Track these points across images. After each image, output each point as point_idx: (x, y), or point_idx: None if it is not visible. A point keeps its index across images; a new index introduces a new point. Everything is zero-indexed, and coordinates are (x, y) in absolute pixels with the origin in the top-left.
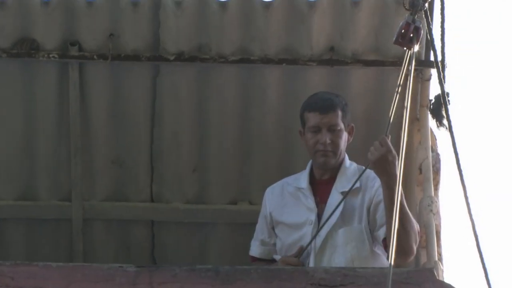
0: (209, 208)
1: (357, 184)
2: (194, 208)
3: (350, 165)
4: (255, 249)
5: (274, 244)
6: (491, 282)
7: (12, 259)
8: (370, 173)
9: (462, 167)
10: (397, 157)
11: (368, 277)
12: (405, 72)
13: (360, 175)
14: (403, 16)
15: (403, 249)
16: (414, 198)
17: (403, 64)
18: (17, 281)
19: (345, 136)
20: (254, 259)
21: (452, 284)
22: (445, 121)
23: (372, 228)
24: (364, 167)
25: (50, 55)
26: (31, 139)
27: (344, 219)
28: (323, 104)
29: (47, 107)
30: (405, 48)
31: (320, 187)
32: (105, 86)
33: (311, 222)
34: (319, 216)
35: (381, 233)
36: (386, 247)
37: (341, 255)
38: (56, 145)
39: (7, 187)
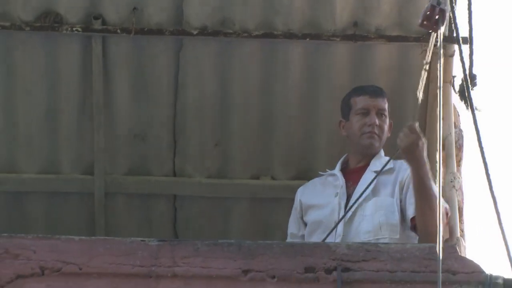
0: (231, 183)
1: (391, 165)
2: (216, 183)
3: (384, 156)
4: None
5: (303, 236)
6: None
7: (34, 232)
8: (403, 162)
9: (484, 149)
10: (425, 144)
11: (391, 252)
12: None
13: (390, 159)
14: None
15: (431, 230)
16: (436, 173)
17: (429, 46)
18: (39, 254)
19: (387, 125)
20: None
21: (474, 260)
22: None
23: (402, 208)
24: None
25: (74, 29)
26: (54, 112)
27: (375, 193)
28: (373, 89)
29: (70, 80)
30: (430, 31)
31: (353, 174)
32: (128, 60)
33: (337, 195)
34: (348, 195)
35: (410, 212)
36: (414, 227)
37: (369, 222)
38: (79, 119)
39: (29, 160)
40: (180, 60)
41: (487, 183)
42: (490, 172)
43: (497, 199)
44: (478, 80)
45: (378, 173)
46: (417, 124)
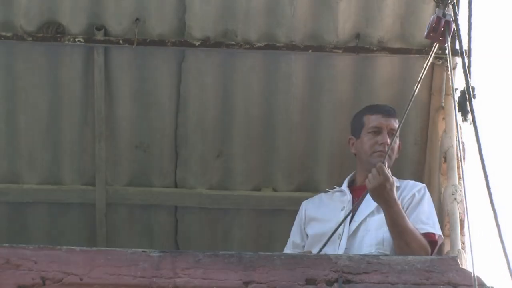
0: (233, 194)
1: (397, 183)
2: (218, 194)
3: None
4: (285, 251)
5: (303, 247)
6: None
7: (36, 243)
8: (410, 181)
9: (485, 162)
10: (394, 184)
11: (392, 265)
12: (432, 63)
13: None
14: (429, 5)
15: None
16: (438, 187)
17: (429, 55)
18: (40, 265)
19: (397, 145)
20: None
21: (475, 273)
22: (469, 116)
23: None
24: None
25: (76, 39)
26: (56, 123)
27: (380, 210)
28: (387, 108)
29: (72, 91)
30: (436, 43)
31: (360, 191)
32: (130, 71)
33: (344, 209)
34: (353, 211)
35: None
36: None
37: (372, 237)
38: (80, 130)
39: (31, 171)
40: (182, 71)
41: (487, 195)
42: (490, 184)
43: (497, 212)
44: (476, 93)
45: (362, 196)
46: (386, 165)
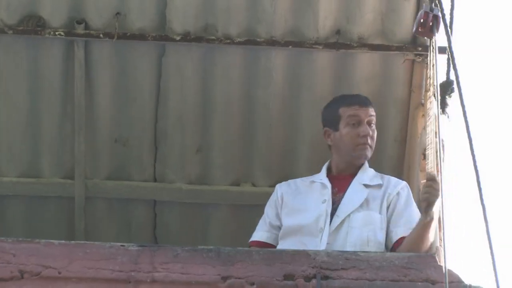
0: (212, 189)
1: (379, 180)
2: (197, 189)
3: (369, 169)
4: (261, 234)
5: (279, 228)
6: (497, 267)
7: (14, 236)
8: (391, 177)
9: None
10: None
11: (370, 261)
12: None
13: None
14: (410, 2)
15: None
16: (417, 183)
17: (429, 53)
18: (19, 258)
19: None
20: (259, 243)
21: (453, 270)
22: (447, 109)
23: (388, 225)
24: (380, 173)
25: (56, 33)
26: (35, 116)
27: (365, 206)
28: (363, 98)
29: (52, 84)
30: (425, 38)
31: (338, 181)
32: (111, 65)
33: (325, 202)
34: (333, 202)
35: (396, 234)
36: (395, 248)
37: (357, 236)
38: (60, 123)
39: (10, 164)
40: (162, 65)
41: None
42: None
43: (486, 207)
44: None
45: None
46: (368, 156)
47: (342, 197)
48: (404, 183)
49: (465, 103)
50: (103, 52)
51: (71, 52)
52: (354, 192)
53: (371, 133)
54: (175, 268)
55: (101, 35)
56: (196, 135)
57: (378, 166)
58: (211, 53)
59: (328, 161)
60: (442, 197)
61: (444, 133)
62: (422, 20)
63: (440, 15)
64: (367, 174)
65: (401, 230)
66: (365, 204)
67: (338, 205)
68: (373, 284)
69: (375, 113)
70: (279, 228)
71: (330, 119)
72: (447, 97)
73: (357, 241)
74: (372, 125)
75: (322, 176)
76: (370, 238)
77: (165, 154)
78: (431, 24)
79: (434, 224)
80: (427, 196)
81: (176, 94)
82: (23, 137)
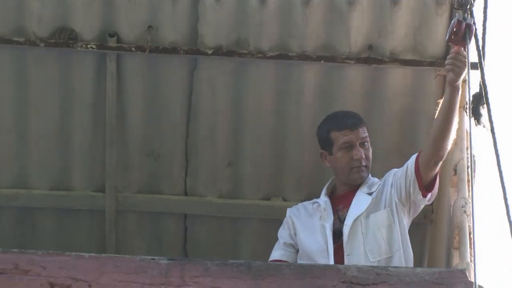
0: (243, 203)
1: (380, 182)
2: (228, 203)
3: (372, 178)
4: (277, 253)
5: (295, 249)
6: None
7: (45, 249)
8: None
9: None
10: None
11: (401, 276)
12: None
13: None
14: (442, 16)
15: (440, 154)
16: (448, 199)
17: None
18: (49, 271)
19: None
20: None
21: (484, 286)
22: (482, 120)
23: (402, 187)
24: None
25: (88, 46)
26: (67, 129)
27: (371, 210)
28: (352, 121)
29: (84, 97)
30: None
31: (343, 198)
32: (142, 78)
33: (321, 219)
34: (340, 219)
35: (410, 163)
36: (417, 166)
37: (373, 240)
38: (91, 136)
39: (42, 176)
40: (194, 79)
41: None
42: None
43: None
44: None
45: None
46: (364, 176)
47: (349, 209)
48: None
49: (493, 119)
50: (135, 65)
51: (103, 65)
52: (359, 201)
53: (364, 155)
54: (205, 282)
55: (133, 49)
56: (227, 149)
57: None
58: (243, 67)
59: (330, 180)
60: (473, 217)
61: (476, 149)
62: (455, 29)
63: (473, 24)
64: (369, 184)
65: (411, 160)
66: (369, 209)
67: (345, 219)
68: None
69: (367, 132)
70: (293, 246)
71: (324, 143)
72: (480, 107)
73: (374, 245)
74: (365, 144)
75: (321, 197)
76: (387, 239)
77: (196, 168)
78: (463, 33)
79: (459, 99)
80: (451, 65)
81: (208, 108)
82: (54, 150)
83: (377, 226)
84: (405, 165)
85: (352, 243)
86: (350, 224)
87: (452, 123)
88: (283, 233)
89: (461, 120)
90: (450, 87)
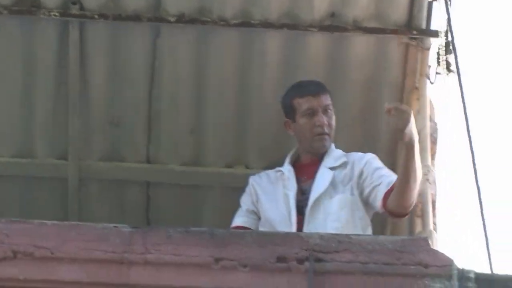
0: (205, 171)
1: (344, 158)
2: (190, 171)
3: (336, 149)
4: (239, 219)
5: (257, 217)
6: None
7: (7, 216)
8: (356, 153)
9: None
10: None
11: (363, 244)
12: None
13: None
14: None
15: (405, 205)
16: None
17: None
18: (12, 238)
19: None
20: (237, 228)
21: (446, 253)
22: (453, 67)
23: (367, 193)
24: (344, 152)
25: (51, 13)
26: (30, 97)
27: (336, 189)
28: (315, 87)
29: (47, 65)
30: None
31: (306, 168)
32: (105, 46)
33: (289, 199)
34: (303, 190)
35: (379, 194)
36: (384, 207)
37: (335, 219)
38: (54, 104)
39: (4, 144)
40: (157, 47)
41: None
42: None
43: (480, 189)
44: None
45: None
46: (327, 144)
47: (312, 183)
48: (370, 154)
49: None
50: (98, 33)
51: (66, 32)
52: (321, 178)
53: (326, 121)
54: (167, 250)
55: (96, 16)
56: (190, 116)
57: (372, 149)
58: (206, 35)
59: (294, 149)
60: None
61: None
62: None
63: None
64: (333, 156)
65: (381, 191)
66: (334, 187)
67: (309, 193)
68: (366, 267)
69: (330, 100)
70: (255, 213)
71: (288, 110)
72: (447, 56)
73: (338, 225)
74: (328, 111)
75: (285, 165)
76: (349, 221)
77: (158, 136)
78: None
79: (417, 148)
80: (395, 121)
81: (170, 76)
82: (17, 118)
83: (341, 206)
84: (372, 182)
85: (314, 221)
86: (312, 203)
87: (412, 179)
88: (245, 200)
89: (423, 88)
90: (402, 143)
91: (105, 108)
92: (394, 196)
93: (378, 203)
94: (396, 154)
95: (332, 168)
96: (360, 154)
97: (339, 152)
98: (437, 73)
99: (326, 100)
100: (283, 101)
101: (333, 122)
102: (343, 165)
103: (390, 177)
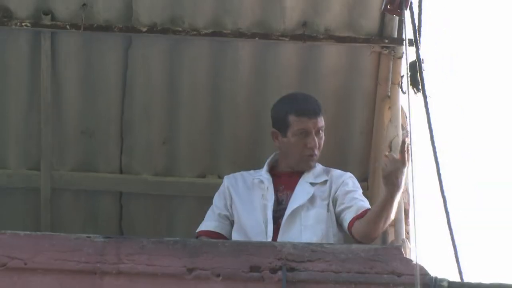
0: (178, 181)
1: (325, 177)
2: (163, 181)
3: (317, 164)
4: (209, 224)
5: (230, 221)
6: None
7: None
8: (336, 171)
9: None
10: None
11: (336, 253)
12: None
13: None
14: None
15: (371, 237)
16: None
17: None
18: None
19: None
20: (206, 233)
21: (420, 262)
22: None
23: (337, 212)
24: (324, 167)
25: (23, 24)
26: (2, 108)
27: (314, 204)
28: (313, 108)
29: (18, 75)
30: (394, 15)
31: (284, 178)
32: (77, 56)
33: (263, 197)
34: (279, 200)
35: (348, 216)
36: (350, 230)
37: (311, 233)
38: (26, 114)
39: None
40: (128, 57)
41: (438, 181)
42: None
43: (447, 199)
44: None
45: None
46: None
47: (290, 195)
48: (348, 174)
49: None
50: (70, 43)
51: (38, 43)
52: (301, 191)
53: (317, 144)
54: (141, 260)
55: (67, 27)
56: (162, 126)
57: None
58: (178, 45)
59: (273, 155)
60: (407, 188)
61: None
62: None
63: None
64: (313, 171)
65: (351, 214)
66: (312, 201)
67: (286, 205)
68: (339, 276)
69: (323, 122)
70: (228, 218)
71: (279, 123)
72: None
73: (312, 238)
74: (320, 132)
75: (263, 171)
76: (324, 235)
77: (131, 146)
78: (399, 2)
79: (397, 199)
80: (385, 163)
81: (142, 86)
82: None
83: (318, 220)
84: (343, 203)
85: (289, 232)
86: (288, 214)
87: (383, 220)
88: (218, 203)
89: (396, 97)
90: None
91: (77, 118)
92: (362, 226)
93: (345, 224)
94: (367, 162)
95: (312, 184)
96: (339, 172)
97: (320, 167)
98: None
99: (321, 122)
100: (276, 112)
101: (322, 143)
102: (323, 182)
103: (361, 201)
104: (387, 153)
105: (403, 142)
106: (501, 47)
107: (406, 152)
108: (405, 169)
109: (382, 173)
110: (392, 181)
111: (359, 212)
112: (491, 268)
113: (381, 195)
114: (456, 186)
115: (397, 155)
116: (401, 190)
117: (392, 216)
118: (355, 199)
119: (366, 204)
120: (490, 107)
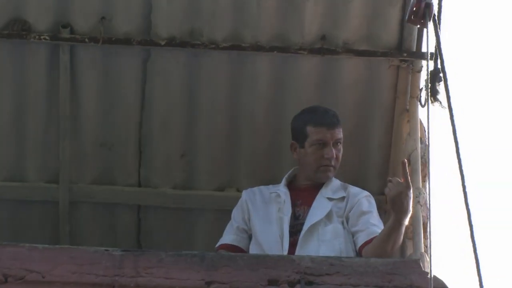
0: (197, 194)
1: (343, 193)
2: (182, 194)
3: (335, 179)
4: (228, 237)
5: (248, 235)
6: (482, 274)
7: None
8: (354, 188)
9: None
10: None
11: (354, 267)
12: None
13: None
14: (395, 7)
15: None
16: None
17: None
18: (3, 262)
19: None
20: (226, 246)
21: (438, 276)
22: (439, 97)
23: (351, 233)
24: (342, 182)
25: (42, 37)
26: (20, 121)
27: (331, 219)
28: (331, 120)
29: (37, 89)
30: (418, 26)
31: (302, 193)
32: (96, 69)
33: (279, 211)
34: (296, 215)
35: (360, 240)
36: (360, 252)
37: (329, 248)
38: (45, 127)
39: None
40: (147, 70)
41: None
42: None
43: (471, 212)
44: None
45: None
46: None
47: (307, 211)
48: (365, 192)
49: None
50: (88, 56)
51: (56, 56)
52: (319, 206)
53: (335, 155)
54: (159, 273)
55: (86, 40)
56: (181, 140)
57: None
58: (196, 58)
59: (291, 170)
60: (429, 204)
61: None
62: (414, 9)
63: (432, 3)
64: (331, 187)
65: (362, 238)
66: (329, 217)
67: (304, 219)
68: None
69: (342, 134)
70: (246, 231)
71: (298, 135)
72: (437, 84)
73: (331, 253)
74: (338, 144)
75: (281, 186)
76: (342, 250)
77: (149, 159)
78: (423, 12)
79: (404, 225)
80: (386, 191)
81: (161, 99)
82: (8, 141)
83: (336, 235)
84: (357, 225)
85: (307, 247)
86: (306, 229)
87: (390, 246)
88: (237, 216)
89: (414, 110)
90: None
91: (96, 131)
92: (370, 252)
93: (356, 247)
94: (386, 176)
95: (330, 199)
96: (356, 190)
97: (337, 183)
98: (427, 98)
99: (339, 133)
100: (295, 123)
101: (340, 156)
102: (341, 199)
103: (374, 226)
104: (390, 178)
105: (403, 164)
106: (501, 47)
107: (408, 175)
108: (410, 192)
109: (387, 198)
110: (398, 205)
111: (369, 238)
112: (491, 268)
113: (389, 220)
114: (456, 186)
115: (416, 169)
116: (409, 214)
117: (400, 240)
118: (368, 223)
119: (378, 229)
120: (490, 107)
